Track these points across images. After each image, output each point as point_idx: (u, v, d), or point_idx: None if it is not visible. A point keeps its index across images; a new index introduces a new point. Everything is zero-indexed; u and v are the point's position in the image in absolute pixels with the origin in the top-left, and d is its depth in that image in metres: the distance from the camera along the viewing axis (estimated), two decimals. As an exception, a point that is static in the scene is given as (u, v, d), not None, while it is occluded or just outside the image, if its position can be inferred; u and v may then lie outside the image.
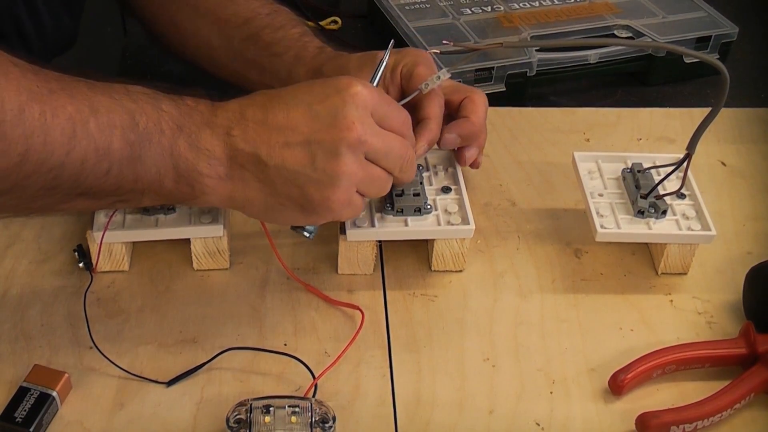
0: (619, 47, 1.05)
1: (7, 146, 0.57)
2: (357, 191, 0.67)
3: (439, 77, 0.74)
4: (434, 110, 0.77)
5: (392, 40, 0.75)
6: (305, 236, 0.71)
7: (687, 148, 0.74)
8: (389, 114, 0.67)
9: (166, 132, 0.63)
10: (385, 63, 0.73)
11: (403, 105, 0.72)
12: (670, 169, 0.77)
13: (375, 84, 0.73)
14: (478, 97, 0.80)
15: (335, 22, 1.15)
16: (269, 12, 0.89)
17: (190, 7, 0.91)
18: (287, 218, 0.68)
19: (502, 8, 1.09)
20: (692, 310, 0.77)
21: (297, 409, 0.64)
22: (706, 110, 0.71)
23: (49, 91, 0.59)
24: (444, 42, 0.75)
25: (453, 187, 0.79)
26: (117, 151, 0.61)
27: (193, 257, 0.77)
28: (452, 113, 0.80)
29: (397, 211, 0.76)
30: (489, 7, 1.09)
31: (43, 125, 0.58)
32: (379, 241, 0.79)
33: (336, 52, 0.84)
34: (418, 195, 0.76)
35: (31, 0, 0.85)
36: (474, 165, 0.84)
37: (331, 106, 0.64)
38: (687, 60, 1.07)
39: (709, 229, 0.76)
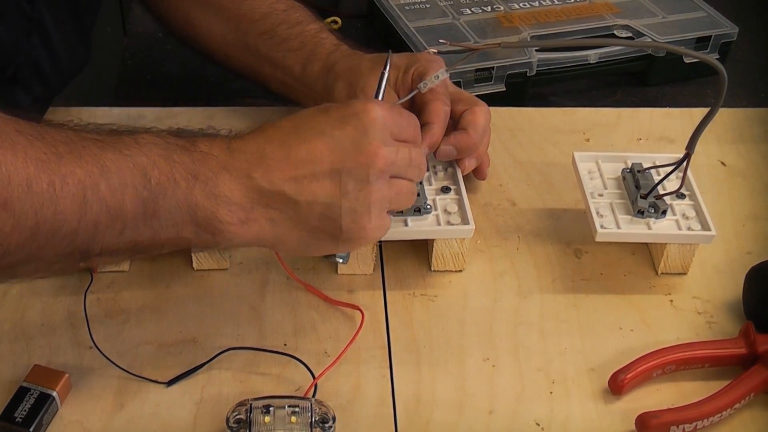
0: (619, 47, 1.05)
1: (16, 222, 0.55)
2: (387, 211, 0.67)
3: (437, 77, 0.74)
4: (439, 115, 0.77)
5: (390, 51, 0.75)
6: (339, 262, 0.72)
7: (686, 148, 0.74)
8: (403, 125, 0.67)
9: (180, 183, 0.61)
10: (386, 77, 0.73)
11: (410, 108, 0.72)
12: (670, 168, 0.77)
13: (380, 98, 0.72)
14: (479, 109, 0.81)
15: (335, 22, 1.15)
16: (285, 8, 0.90)
17: (206, 3, 0.91)
18: (322, 250, 0.68)
19: (502, 8, 1.09)
20: (692, 310, 0.77)
21: (297, 409, 0.64)
22: (706, 110, 0.71)
23: (57, 157, 0.57)
24: (441, 42, 0.75)
25: (453, 187, 0.79)
26: (131, 211, 0.59)
27: (193, 257, 0.77)
28: (453, 123, 0.80)
29: (397, 211, 0.76)
30: (489, 7, 1.09)
31: (53, 196, 0.56)
32: (379, 241, 0.79)
33: (350, 51, 0.85)
34: (417, 195, 0.76)
35: (46, 37, 0.84)
36: (479, 176, 0.84)
37: (353, 133, 0.64)
38: (687, 60, 1.07)
39: (709, 229, 0.76)
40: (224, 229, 0.63)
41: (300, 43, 0.87)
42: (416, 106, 0.78)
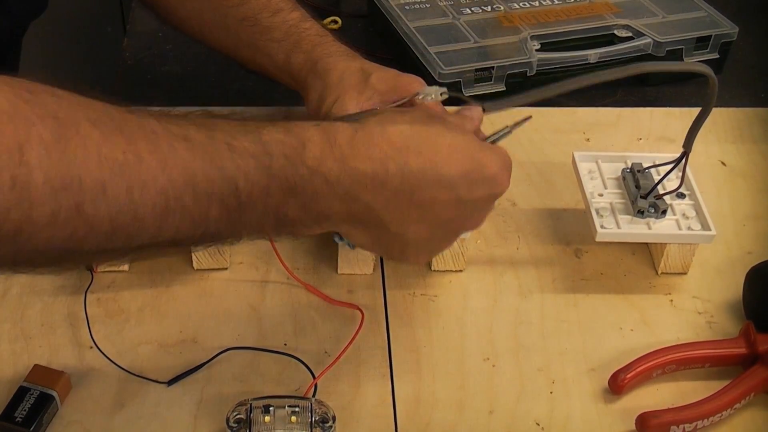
0: (619, 47, 1.05)
1: (90, 227, 0.50)
2: None
3: (441, 93, 0.74)
4: None
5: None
6: (342, 243, 0.74)
7: (683, 146, 0.74)
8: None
9: (274, 195, 0.57)
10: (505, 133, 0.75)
11: None
12: (670, 168, 0.77)
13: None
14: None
15: (335, 21, 1.15)
16: None
17: None
18: (372, 251, 0.69)
19: (502, 8, 1.09)
20: (692, 310, 0.77)
21: (297, 409, 0.64)
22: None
23: (137, 159, 0.51)
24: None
25: (453, 187, 0.79)
26: (214, 219, 0.56)
27: (194, 257, 0.77)
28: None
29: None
30: (489, 7, 1.09)
31: (131, 202, 0.51)
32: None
33: (330, 49, 0.84)
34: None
35: None
36: None
37: (478, 202, 0.65)
38: (687, 59, 1.07)
39: (709, 229, 0.76)
40: (302, 232, 0.62)
41: (284, 34, 0.86)
42: None
